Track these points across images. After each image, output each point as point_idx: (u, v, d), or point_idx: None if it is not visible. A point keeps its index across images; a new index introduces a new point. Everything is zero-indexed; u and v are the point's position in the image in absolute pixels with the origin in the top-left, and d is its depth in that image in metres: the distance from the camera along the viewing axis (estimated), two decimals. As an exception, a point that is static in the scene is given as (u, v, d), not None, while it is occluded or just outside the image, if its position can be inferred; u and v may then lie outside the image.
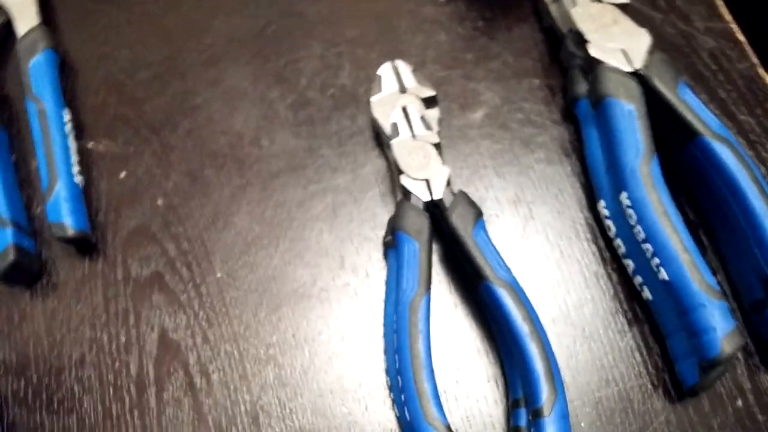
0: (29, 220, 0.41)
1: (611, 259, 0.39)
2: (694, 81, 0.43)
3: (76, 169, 0.40)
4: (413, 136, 0.38)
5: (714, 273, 0.39)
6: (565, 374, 0.36)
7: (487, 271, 0.34)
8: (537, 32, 0.46)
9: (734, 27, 0.45)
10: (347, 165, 0.42)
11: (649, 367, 0.36)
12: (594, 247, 0.39)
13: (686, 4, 0.46)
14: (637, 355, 0.37)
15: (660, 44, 0.44)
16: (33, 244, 0.40)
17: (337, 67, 0.45)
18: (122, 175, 0.42)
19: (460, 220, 0.36)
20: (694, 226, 0.40)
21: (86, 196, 0.41)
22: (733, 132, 0.39)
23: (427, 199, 0.37)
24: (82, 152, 0.42)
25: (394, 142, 0.38)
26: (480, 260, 0.34)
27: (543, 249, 0.39)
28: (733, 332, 0.32)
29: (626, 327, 0.37)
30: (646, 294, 0.36)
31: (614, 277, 0.38)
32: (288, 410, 0.36)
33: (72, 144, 0.41)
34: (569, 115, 0.42)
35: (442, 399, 0.36)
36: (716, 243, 0.39)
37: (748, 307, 0.37)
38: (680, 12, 0.46)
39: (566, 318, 0.38)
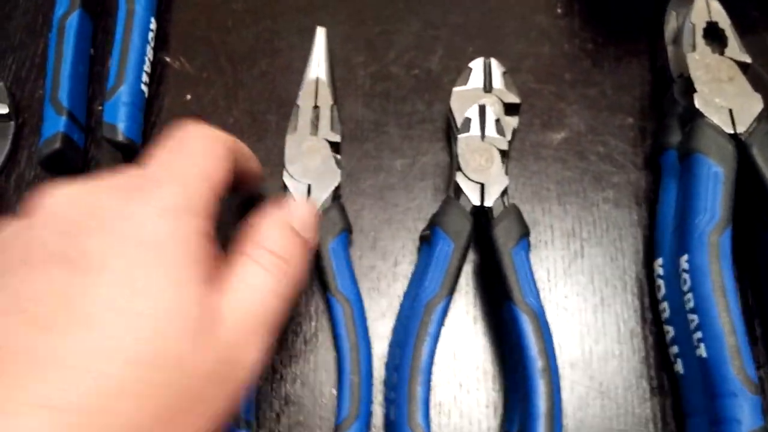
0: (88, 116, 0.41)
1: (652, 320, 0.36)
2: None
3: (144, 78, 0.40)
4: (483, 136, 0.36)
5: (759, 366, 0.35)
6: (569, 423, 0.34)
7: (516, 292, 0.32)
8: (646, 71, 0.43)
9: None
10: (408, 149, 0.40)
11: (660, 443, 0.34)
12: (637, 303, 0.37)
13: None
14: (651, 426, 0.34)
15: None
16: (83, 139, 0.40)
17: (429, 49, 0.43)
18: (188, 97, 0.41)
19: (503, 234, 0.33)
20: (751, 312, 0.36)
21: (147, 108, 0.40)
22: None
23: (477, 203, 0.35)
24: (156, 64, 0.42)
25: (461, 137, 0.36)
26: (511, 279, 0.32)
27: (584, 290, 0.37)
28: (759, 431, 0.29)
29: (648, 394, 0.35)
30: (678, 367, 0.33)
31: (650, 340, 0.36)
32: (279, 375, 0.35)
33: (149, 53, 0.41)
34: (653, 163, 0.40)
35: (436, 411, 0.34)
36: (770, 337, 0.36)
37: (785, 413, 0.34)
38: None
39: (587, 367, 0.35)
